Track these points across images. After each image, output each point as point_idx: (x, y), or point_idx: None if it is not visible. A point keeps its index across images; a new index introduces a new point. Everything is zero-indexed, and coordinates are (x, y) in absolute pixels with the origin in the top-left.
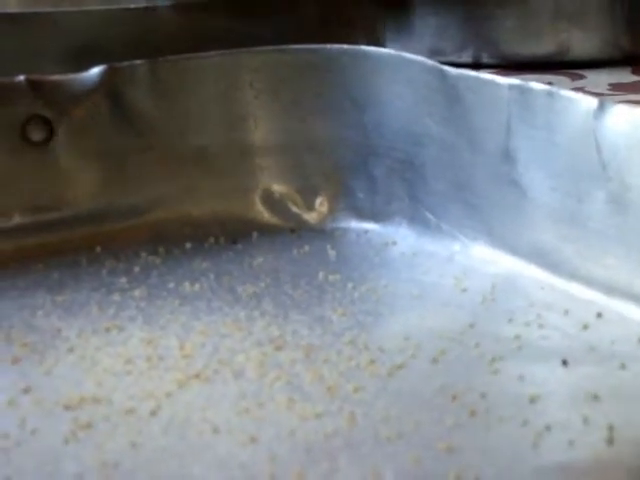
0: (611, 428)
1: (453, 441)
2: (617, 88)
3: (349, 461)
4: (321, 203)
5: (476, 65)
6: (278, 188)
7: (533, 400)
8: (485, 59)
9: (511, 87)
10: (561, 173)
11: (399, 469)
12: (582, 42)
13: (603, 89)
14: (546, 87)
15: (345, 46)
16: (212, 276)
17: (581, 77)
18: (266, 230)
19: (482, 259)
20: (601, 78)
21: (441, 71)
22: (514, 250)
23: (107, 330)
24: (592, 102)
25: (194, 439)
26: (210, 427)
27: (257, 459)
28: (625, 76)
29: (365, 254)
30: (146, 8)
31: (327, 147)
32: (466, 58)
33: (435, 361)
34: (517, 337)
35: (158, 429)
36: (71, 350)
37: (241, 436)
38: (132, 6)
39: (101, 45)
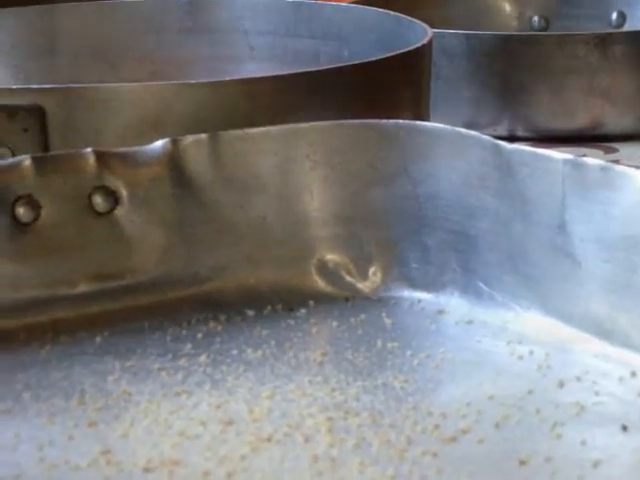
0: None
1: None
2: None
3: None
4: (374, 272)
5: (511, 138)
6: (333, 258)
7: (596, 464)
8: (520, 132)
9: (565, 162)
10: (615, 245)
11: None
12: (615, 116)
13: (637, 162)
14: (600, 162)
15: (400, 121)
16: (273, 343)
17: (614, 150)
18: (321, 298)
19: (536, 328)
20: (634, 151)
21: (496, 146)
22: (567, 319)
23: (177, 395)
24: None
25: None
26: None
27: None
28: None
29: (420, 322)
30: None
31: (381, 218)
32: (501, 131)
33: (498, 426)
34: (575, 403)
35: None
36: (145, 414)
37: None
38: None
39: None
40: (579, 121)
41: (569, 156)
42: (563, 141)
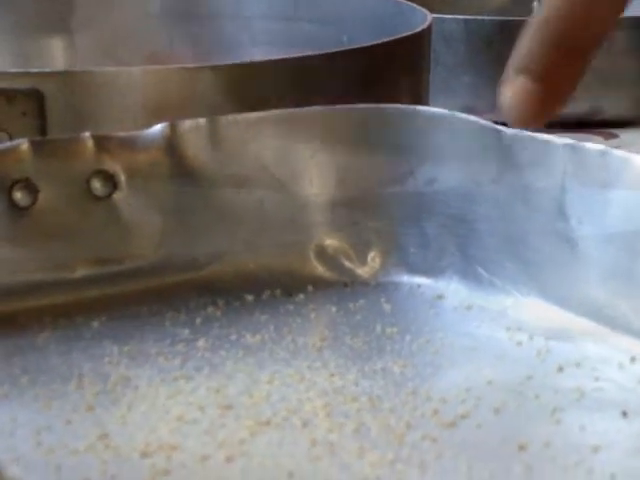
0: None
1: None
2: None
3: None
4: (373, 258)
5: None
6: (332, 243)
7: (596, 450)
8: None
9: (565, 147)
10: (615, 230)
11: None
12: (614, 102)
13: (638, 148)
14: (600, 147)
15: (400, 105)
16: (272, 328)
17: (614, 136)
18: (320, 284)
19: (535, 314)
20: (635, 137)
21: (496, 131)
22: (567, 305)
23: (175, 379)
24: None
25: None
26: (285, 474)
27: None
28: None
29: (419, 307)
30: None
31: (380, 203)
32: (500, 117)
33: (497, 412)
34: (575, 389)
35: (235, 475)
36: (143, 399)
37: None
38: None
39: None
40: (578, 107)
41: (569, 141)
42: (562, 127)
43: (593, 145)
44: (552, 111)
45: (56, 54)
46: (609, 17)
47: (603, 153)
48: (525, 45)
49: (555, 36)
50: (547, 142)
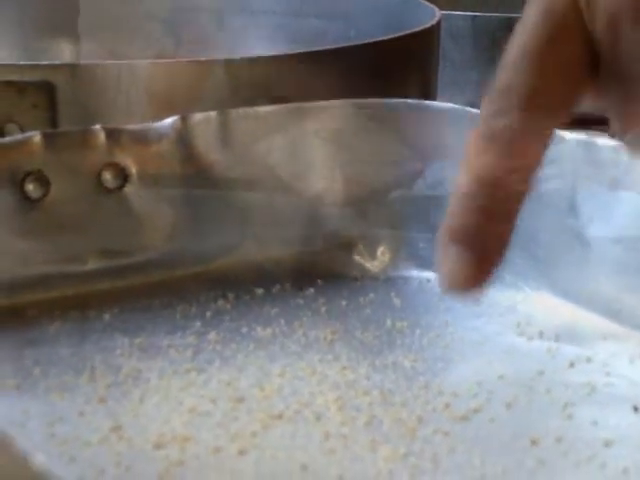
0: None
1: None
2: None
3: None
4: (383, 252)
5: None
6: (341, 237)
7: (607, 444)
8: None
9: (577, 143)
10: (625, 226)
11: None
12: None
13: None
14: (611, 142)
15: (408, 100)
16: (282, 321)
17: None
18: (330, 278)
19: (545, 309)
20: None
21: None
22: (577, 300)
23: (187, 372)
24: None
25: (284, 479)
26: (298, 466)
27: None
28: None
29: (429, 302)
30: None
31: (390, 198)
32: None
33: (509, 406)
34: (586, 384)
35: (248, 468)
36: (155, 391)
37: (330, 475)
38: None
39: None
40: (587, 103)
41: (581, 136)
42: (570, 124)
43: (605, 140)
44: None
45: (64, 55)
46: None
47: (614, 149)
48: None
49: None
50: (558, 137)
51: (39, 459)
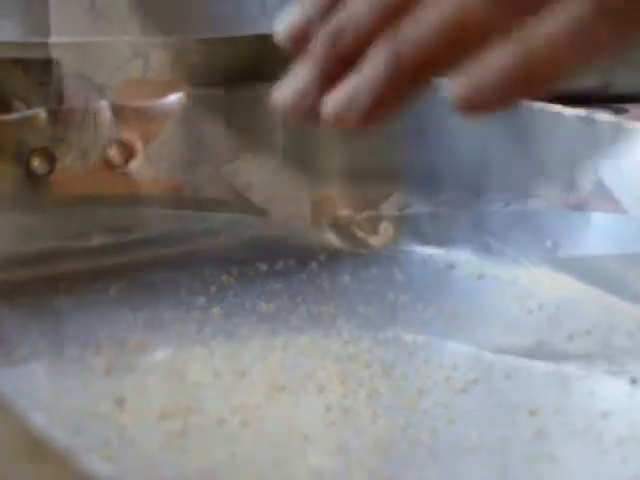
0: None
1: (535, 451)
2: None
3: (436, 470)
4: (385, 228)
5: None
6: (344, 213)
7: (605, 416)
8: None
9: (577, 119)
10: (625, 200)
11: (484, 477)
12: (624, 76)
13: None
14: (611, 118)
15: None
16: (286, 296)
17: (624, 111)
18: (333, 253)
19: (545, 283)
20: None
21: None
22: (577, 274)
23: (191, 345)
24: None
25: (286, 449)
26: (300, 438)
27: (349, 468)
28: None
29: (431, 277)
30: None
31: (393, 174)
32: None
33: (508, 378)
34: (584, 357)
35: (250, 439)
36: (159, 364)
37: (331, 446)
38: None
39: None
40: (587, 81)
41: (581, 112)
42: (572, 102)
43: (604, 116)
44: None
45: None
46: None
47: (614, 124)
48: None
49: None
50: (558, 114)
51: (39, 420)
